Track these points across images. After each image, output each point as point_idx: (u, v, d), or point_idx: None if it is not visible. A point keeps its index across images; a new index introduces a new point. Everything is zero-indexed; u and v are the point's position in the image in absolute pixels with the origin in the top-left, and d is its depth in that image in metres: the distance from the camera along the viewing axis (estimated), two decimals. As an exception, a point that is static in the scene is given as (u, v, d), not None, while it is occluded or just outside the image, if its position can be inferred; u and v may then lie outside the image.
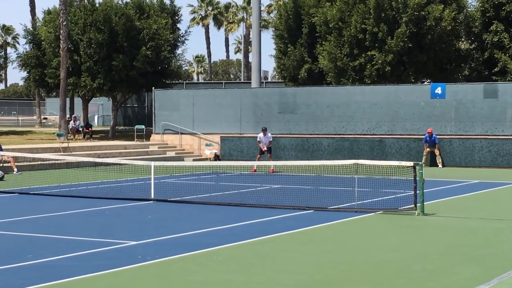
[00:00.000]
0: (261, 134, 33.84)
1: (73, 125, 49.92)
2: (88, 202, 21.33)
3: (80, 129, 50.64)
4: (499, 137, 35.74)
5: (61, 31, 46.02)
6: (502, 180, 28.97)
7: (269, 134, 34.19)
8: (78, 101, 61.10)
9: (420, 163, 19.16)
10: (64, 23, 45.72)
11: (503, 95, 36.18)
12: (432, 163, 36.07)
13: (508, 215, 18.99)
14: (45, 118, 74.83)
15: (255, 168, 32.42)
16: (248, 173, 31.79)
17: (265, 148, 33.44)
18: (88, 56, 48.60)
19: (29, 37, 54.13)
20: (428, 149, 36.17)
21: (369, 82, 43.29)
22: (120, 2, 52.09)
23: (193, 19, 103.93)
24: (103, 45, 48.18)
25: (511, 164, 35.24)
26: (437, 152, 36.09)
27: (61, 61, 46.15)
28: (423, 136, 36.42)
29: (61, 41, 45.90)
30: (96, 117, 73.27)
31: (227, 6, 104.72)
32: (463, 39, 48.21)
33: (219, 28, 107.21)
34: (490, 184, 27.25)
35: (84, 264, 12.46)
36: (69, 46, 47.34)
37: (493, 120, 36.11)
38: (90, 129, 49.90)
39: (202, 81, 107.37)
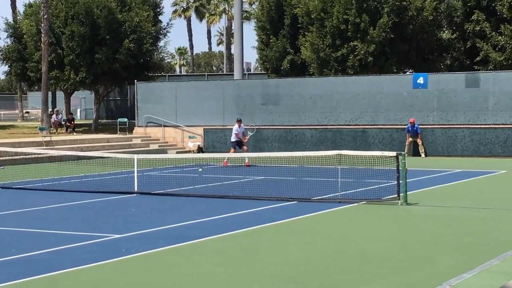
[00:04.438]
0: (236, 126, 33.24)
1: (56, 119, 49.70)
2: (71, 196, 21.27)
3: (63, 122, 50.43)
4: (481, 126, 35.89)
5: (43, 25, 45.77)
6: (484, 169, 29.11)
7: (243, 125, 33.56)
8: (60, 95, 60.81)
9: (403, 153, 19.22)
10: (45, 17, 45.46)
11: (485, 84, 36.32)
12: (415, 153, 36.19)
13: (490, 203, 19.09)
14: (27, 112, 74.44)
15: (247, 161, 31.72)
16: (232, 165, 31.71)
17: (245, 139, 32.95)
18: (71, 49, 48.39)
19: (10, 31, 53.78)
20: (410, 139, 36.28)
21: (351, 72, 43.35)
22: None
23: (175, 11, 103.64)
24: (86, 38, 47.99)
25: (493, 153, 35.42)
26: (419, 141, 36.21)
27: (43, 55, 45.91)
28: (406, 126, 36.52)
29: (43, 35, 45.66)
30: (78, 110, 72.96)
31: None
32: (444, 29, 48.36)
33: (201, 20, 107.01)
34: (472, 173, 27.37)
35: (68, 258, 12.42)
36: (51, 40, 47.10)
37: (475, 109, 36.25)
38: (72, 122, 49.71)
39: (185, 73, 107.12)
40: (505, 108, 35.80)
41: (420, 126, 36.66)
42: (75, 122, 51.44)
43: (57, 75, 49.03)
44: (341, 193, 19.99)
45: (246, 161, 31.77)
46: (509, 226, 15.48)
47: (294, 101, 39.87)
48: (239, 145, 32.87)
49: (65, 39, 48.44)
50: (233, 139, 32.89)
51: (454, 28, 46.76)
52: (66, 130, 48.90)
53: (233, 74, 50.98)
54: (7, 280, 10.68)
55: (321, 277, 10.97)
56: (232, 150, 32.78)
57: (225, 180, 25.48)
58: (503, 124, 35.64)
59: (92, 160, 32.38)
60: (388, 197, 19.30)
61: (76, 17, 48.60)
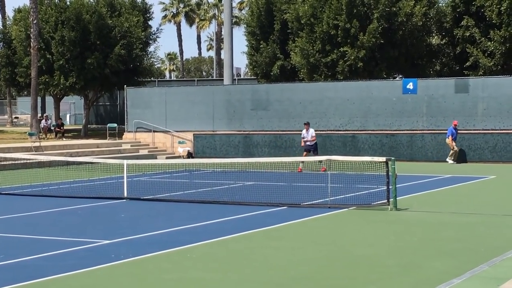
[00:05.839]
0: (304, 130, 32.85)
1: (45, 124, 49.58)
2: (60, 201, 21.21)
3: (52, 128, 50.32)
4: (470, 131, 35.95)
5: (32, 30, 45.70)
6: (473, 174, 29.17)
7: (312, 130, 32.87)
8: (49, 100, 60.68)
9: (393, 158, 19.18)
10: (35, 22, 45.37)
11: (474, 90, 36.43)
12: (462, 158, 35.59)
13: (479, 209, 19.13)
14: (16, 117, 74.23)
15: (300, 167, 30.95)
16: (222, 170, 31.64)
17: (307, 143, 32.32)
18: (61, 54, 48.32)
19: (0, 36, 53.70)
20: (454, 143, 35.20)
21: (341, 78, 43.41)
22: (91, 0, 51.80)
23: (165, 16, 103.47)
24: (76, 43, 47.95)
25: (482, 158, 35.48)
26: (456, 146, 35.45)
27: (32, 60, 45.82)
28: (394, 131, 36.51)
29: (32, 40, 45.58)
30: (68, 115, 72.82)
31: (199, 3, 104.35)
32: (434, 35, 48.47)
33: (191, 26, 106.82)
34: (462, 179, 27.42)
35: (57, 264, 12.38)
36: (41, 45, 47.01)
37: (464, 115, 36.33)
38: (62, 128, 49.60)
39: (174, 78, 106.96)
40: (494, 113, 35.91)
41: (409, 132, 36.76)
42: (65, 128, 51.34)
43: (47, 80, 48.96)
44: (331, 198, 19.99)
45: (323, 166, 30.58)
46: (498, 232, 15.51)
47: (284, 106, 39.89)
48: (311, 149, 32.41)
49: (55, 44, 48.37)
50: (302, 143, 32.74)
51: (444, 33, 46.88)
52: (56, 135, 48.79)
53: (223, 79, 50.97)
54: (-4, 286, 10.65)
55: (311, 283, 10.96)
56: (305, 153, 32.38)
57: (215, 185, 25.45)
58: (492, 130, 35.73)
59: (81, 165, 32.30)
60: (378, 202, 19.31)
61: (67, 22, 48.54)
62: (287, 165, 30.20)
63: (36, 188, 24.60)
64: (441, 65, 47.30)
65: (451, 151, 35.29)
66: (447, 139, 35.32)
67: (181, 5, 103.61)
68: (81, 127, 54.43)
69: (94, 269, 11.90)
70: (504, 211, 18.46)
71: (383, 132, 37.61)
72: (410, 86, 37.43)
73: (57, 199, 21.80)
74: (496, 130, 35.68)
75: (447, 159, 35.38)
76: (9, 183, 26.25)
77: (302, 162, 30.70)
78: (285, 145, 39.16)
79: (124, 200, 21.33)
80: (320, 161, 28.65)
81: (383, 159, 19.40)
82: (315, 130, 38.25)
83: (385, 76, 44.96)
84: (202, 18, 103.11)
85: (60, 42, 48.15)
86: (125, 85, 45.45)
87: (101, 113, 67.38)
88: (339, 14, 43.47)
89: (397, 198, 18.64)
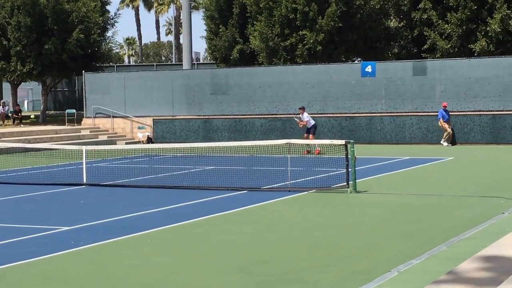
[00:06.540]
0: (299, 115, 32.78)
1: (2, 111, 49.05)
2: (18, 188, 21.03)
3: (9, 114, 49.78)
4: (429, 113, 36.25)
5: (-13, 15, 45.11)
6: (432, 156, 29.44)
7: (306, 114, 32.69)
8: (6, 86, 60.02)
9: (352, 141, 19.30)
10: (-10, 7, 44.81)
11: (432, 72, 36.71)
12: (453, 140, 35.38)
13: (437, 190, 19.31)
14: (-27, 105, 73.34)
15: (318, 149, 30.19)
16: (182, 155, 31.58)
17: (303, 124, 32.29)
18: (17, 40, 47.74)
19: (-46, 22, 52.86)
20: (447, 124, 35.01)
21: (300, 61, 43.49)
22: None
23: (123, 1, 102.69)
24: (32, 29, 47.39)
25: (440, 140, 35.76)
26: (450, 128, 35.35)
27: (-12, 46, 45.27)
28: (352, 114, 36.69)
29: (-13, 25, 45.00)
30: (25, 102, 72.07)
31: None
32: (392, 18, 48.71)
33: (149, 10, 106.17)
34: (420, 160, 27.66)
35: (16, 251, 12.30)
36: (-4, 31, 46.45)
37: (423, 97, 36.63)
38: (19, 114, 49.09)
39: (133, 63, 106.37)
40: (451, 95, 36.23)
41: (368, 115, 36.97)
42: (22, 114, 50.82)
43: (3, 66, 48.38)
44: (291, 181, 20.07)
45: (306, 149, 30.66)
46: (456, 212, 15.68)
47: (244, 90, 39.88)
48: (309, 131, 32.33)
49: (11, 30, 47.76)
50: (301, 126, 32.72)
51: (401, 16, 47.12)
52: (13, 122, 48.31)
53: (182, 64, 50.78)
54: (-46, 275, 10.55)
55: (271, 266, 11.01)
56: (305, 135, 32.14)
57: (175, 170, 25.42)
58: (450, 111, 36.03)
59: (40, 152, 32.02)
60: (338, 185, 19.43)
61: (22, 7, 47.94)
62: (247, 149, 30.23)
63: (-6, 176, 24.37)
64: (399, 48, 47.59)
65: (445, 133, 35.26)
66: (438, 122, 35.29)
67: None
68: (39, 113, 53.93)
69: (53, 255, 11.84)
70: (462, 192, 18.67)
71: (342, 115, 37.77)
72: (368, 69, 37.62)
73: (15, 186, 21.61)
74: (453, 112, 35.98)
75: (442, 142, 35.24)
76: (-34, 170, 25.98)
77: (307, 145, 30.42)
78: (245, 129, 39.17)
79: (84, 186, 21.22)
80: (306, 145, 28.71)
81: (342, 142, 19.53)
82: (275, 114, 38.53)
83: (344, 59, 45.15)
84: (160, 2, 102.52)
85: (17, 27, 47.55)
86: (83, 71, 45.10)
87: (59, 99, 66.77)
88: (298, -3, 43.48)
89: (356, 181, 18.76)
